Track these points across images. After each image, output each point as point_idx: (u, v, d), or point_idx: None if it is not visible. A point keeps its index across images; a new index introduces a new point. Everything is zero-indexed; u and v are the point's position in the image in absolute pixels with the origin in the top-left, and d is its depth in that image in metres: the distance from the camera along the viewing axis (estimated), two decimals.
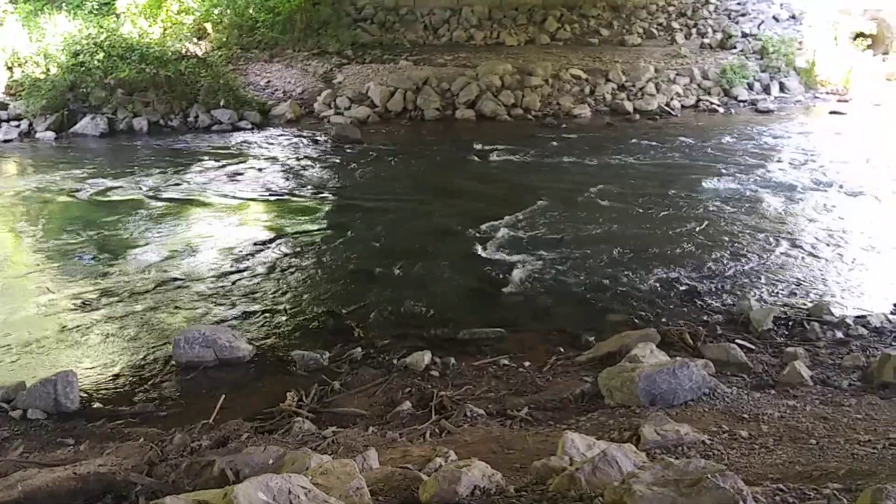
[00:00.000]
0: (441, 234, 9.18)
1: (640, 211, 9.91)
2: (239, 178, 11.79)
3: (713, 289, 7.41)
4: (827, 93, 18.53)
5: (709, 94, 17.65)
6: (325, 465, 3.15)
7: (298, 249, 8.68)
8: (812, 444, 3.72)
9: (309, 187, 11.34)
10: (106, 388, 5.65)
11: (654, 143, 13.81)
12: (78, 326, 6.68)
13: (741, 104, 17.38)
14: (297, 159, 12.99)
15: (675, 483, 2.33)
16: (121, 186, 11.19)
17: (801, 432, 3.91)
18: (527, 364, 5.81)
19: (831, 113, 16.84)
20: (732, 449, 3.68)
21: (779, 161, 12.51)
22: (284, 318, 6.93)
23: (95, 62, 15.20)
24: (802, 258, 8.24)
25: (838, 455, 3.49)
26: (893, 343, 5.86)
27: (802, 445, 3.71)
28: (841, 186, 10.98)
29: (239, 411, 5.14)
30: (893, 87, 18.24)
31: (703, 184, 11.18)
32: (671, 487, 2.32)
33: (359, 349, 6.18)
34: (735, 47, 19.62)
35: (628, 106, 16.64)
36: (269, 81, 17.15)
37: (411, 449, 3.90)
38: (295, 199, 10.79)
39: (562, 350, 6.09)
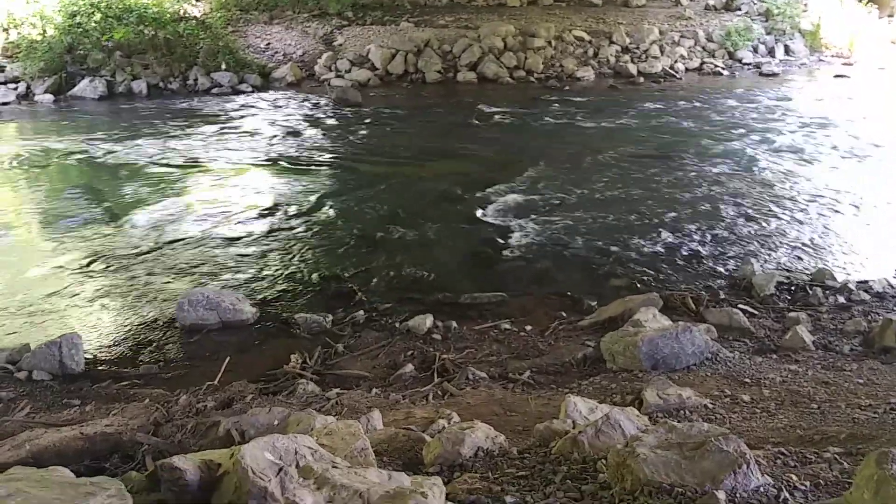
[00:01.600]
0: (442, 198, 9.15)
1: (643, 175, 9.87)
2: (239, 141, 11.72)
3: (716, 253, 7.41)
4: (832, 56, 18.39)
5: (713, 56, 17.49)
6: (329, 425, 3.16)
7: (299, 214, 8.65)
8: (813, 408, 3.74)
9: (310, 151, 11.27)
10: (110, 350, 5.68)
11: (657, 106, 13.72)
12: (81, 289, 6.68)
13: (745, 67, 17.24)
14: (298, 123, 12.90)
15: (679, 446, 2.34)
16: (120, 150, 11.13)
17: (802, 397, 3.94)
18: (528, 328, 5.83)
19: (836, 76, 16.71)
20: (734, 413, 3.71)
21: (783, 124, 12.43)
22: (287, 281, 6.93)
23: (92, 23, 15.04)
24: (805, 222, 8.22)
25: (839, 419, 3.52)
26: (895, 308, 5.87)
27: (804, 410, 3.73)
28: (845, 150, 10.92)
29: (243, 373, 5.17)
30: None
31: (707, 148, 11.13)
32: (675, 450, 2.34)
33: (361, 312, 6.19)
34: (740, 9, 19.39)
35: (632, 68, 16.50)
36: (269, 44, 16.97)
37: (414, 411, 3.92)
38: (295, 163, 10.73)
39: (564, 314, 6.10)
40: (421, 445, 3.05)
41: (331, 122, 13.01)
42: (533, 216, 8.41)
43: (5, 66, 14.83)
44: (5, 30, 15.42)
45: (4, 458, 3.46)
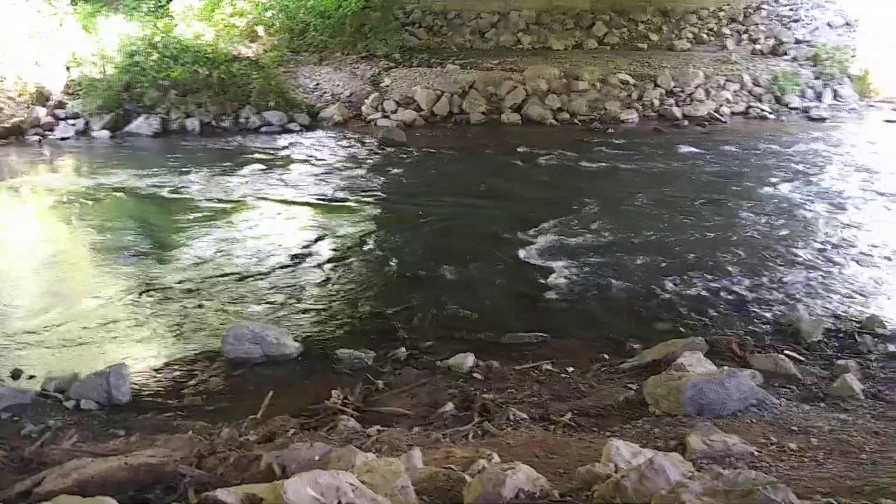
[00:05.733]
0: (485, 238, 9.19)
1: (688, 218, 9.80)
2: (286, 179, 11.95)
3: (762, 298, 7.30)
4: (881, 101, 18.11)
5: (759, 100, 17.38)
6: (370, 462, 3.18)
7: (343, 250, 8.77)
8: (863, 458, 3.65)
9: (354, 190, 11.43)
10: (156, 382, 5.77)
11: (702, 150, 13.65)
12: (130, 320, 6.83)
13: (793, 111, 17.08)
14: (344, 162, 13.11)
15: (726, 494, 2.31)
16: (171, 185, 11.43)
17: (852, 446, 3.84)
18: (570, 370, 5.79)
19: (886, 121, 16.46)
20: (781, 461, 3.63)
21: (831, 169, 12.26)
22: (330, 317, 7.00)
23: (150, 62, 15.55)
24: (854, 269, 8.06)
25: (891, 471, 3.42)
26: None
27: (853, 460, 3.64)
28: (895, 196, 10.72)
29: (285, 408, 5.21)
30: None
31: (752, 192, 11.02)
32: (721, 498, 2.30)
33: (403, 349, 6.22)
34: (787, 54, 19.27)
35: (677, 112, 16.47)
36: (318, 84, 17.34)
37: (454, 450, 3.91)
38: (340, 201, 10.89)
39: (606, 357, 6.05)
40: (461, 485, 3.05)
41: (375, 161, 13.20)
42: (575, 257, 8.40)
43: (66, 103, 15.37)
44: (67, 68, 15.99)
45: (51, 487, 3.52)
